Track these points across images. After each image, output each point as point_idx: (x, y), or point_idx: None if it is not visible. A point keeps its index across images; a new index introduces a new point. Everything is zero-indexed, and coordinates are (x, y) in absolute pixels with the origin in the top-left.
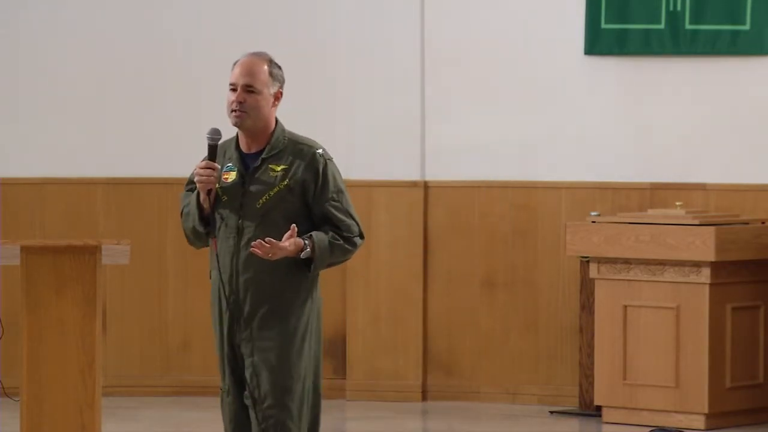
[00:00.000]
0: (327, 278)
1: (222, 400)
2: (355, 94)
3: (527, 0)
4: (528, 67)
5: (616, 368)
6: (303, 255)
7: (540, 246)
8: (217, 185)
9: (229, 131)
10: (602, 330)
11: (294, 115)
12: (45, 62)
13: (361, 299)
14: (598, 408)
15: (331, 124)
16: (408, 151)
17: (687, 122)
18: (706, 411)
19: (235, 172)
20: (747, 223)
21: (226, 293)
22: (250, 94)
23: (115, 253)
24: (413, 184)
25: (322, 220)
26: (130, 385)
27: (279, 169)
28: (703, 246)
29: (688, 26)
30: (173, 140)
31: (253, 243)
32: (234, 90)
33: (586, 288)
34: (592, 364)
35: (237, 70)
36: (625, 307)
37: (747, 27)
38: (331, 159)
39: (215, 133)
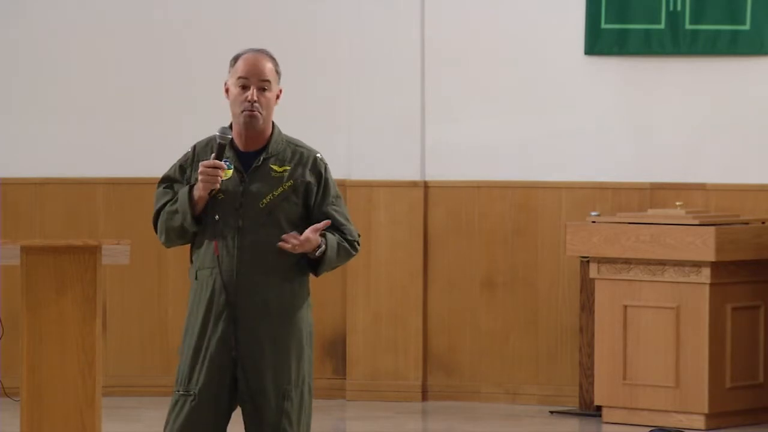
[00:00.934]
0: (327, 278)
1: (178, 404)
2: (355, 94)
3: (527, 0)
4: (528, 67)
5: (616, 368)
6: (318, 253)
7: (540, 246)
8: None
9: (214, 129)
10: (602, 330)
11: (294, 116)
12: (45, 62)
13: (361, 299)
14: (598, 408)
15: (331, 124)
16: (408, 151)
17: (687, 122)
18: (706, 411)
19: (231, 171)
20: (747, 223)
21: (226, 294)
22: (263, 92)
23: (115, 253)
24: (413, 184)
25: None
26: (130, 385)
27: (281, 169)
28: (703, 246)
29: (688, 26)
30: (173, 140)
31: (283, 236)
32: (245, 87)
33: (586, 288)
34: (592, 364)
35: (247, 66)
36: (625, 307)
37: (747, 27)
38: (327, 164)
39: (226, 132)
